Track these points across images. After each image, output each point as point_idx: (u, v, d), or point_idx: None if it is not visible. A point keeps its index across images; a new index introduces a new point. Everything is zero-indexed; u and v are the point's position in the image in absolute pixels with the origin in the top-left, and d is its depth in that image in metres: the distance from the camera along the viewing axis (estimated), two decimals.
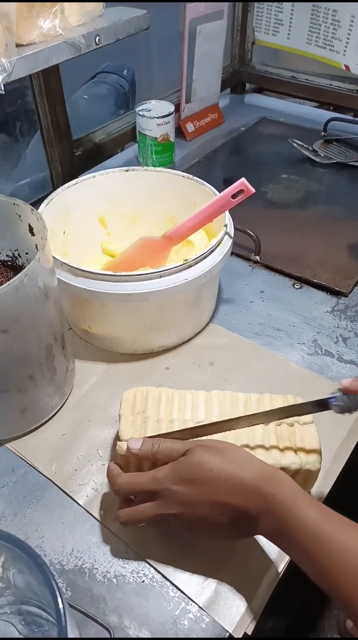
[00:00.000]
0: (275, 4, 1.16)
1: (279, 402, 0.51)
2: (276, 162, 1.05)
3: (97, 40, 0.59)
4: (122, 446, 0.47)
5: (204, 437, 0.47)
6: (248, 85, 1.34)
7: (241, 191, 0.59)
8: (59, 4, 0.54)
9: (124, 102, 1.30)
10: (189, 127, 1.11)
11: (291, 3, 1.14)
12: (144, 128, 0.95)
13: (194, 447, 0.44)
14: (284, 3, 1.15)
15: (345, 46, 1.10)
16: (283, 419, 0.48)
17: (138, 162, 1.03)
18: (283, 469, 0.45)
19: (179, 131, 1.09)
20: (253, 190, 0.59)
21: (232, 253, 0.66)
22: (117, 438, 0.50)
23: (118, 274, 0.57)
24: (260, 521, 0.40)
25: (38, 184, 1.00)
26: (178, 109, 1.07)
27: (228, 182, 0.97)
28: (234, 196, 0.59)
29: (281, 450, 0.47)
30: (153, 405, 0.51)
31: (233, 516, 0.41)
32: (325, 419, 0.49)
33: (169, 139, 0.97)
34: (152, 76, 1.15)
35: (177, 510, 0.43)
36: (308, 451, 0.47)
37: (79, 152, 0.93)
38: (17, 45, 0.54)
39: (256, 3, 1.18)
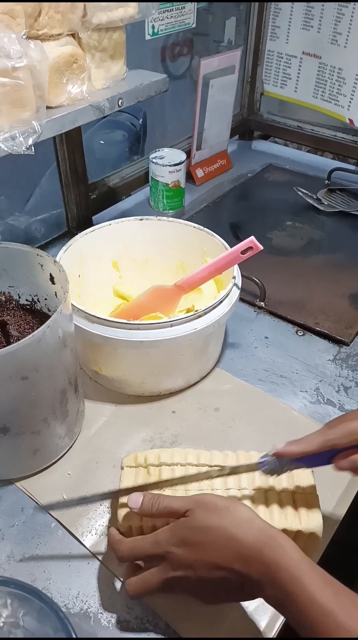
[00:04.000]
0: (284, 60, 1.22)
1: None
2: (281, 209, 1.09)
3: (120, 102, 0.63)
4: (122, 513, 0.48)
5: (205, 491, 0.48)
6: (255, 132, 1.39)
7: (250, 248, 0.62)
8: (87, 71, 0.59)
9: (135, 144, 1.36)
10: (199, 173, 1.16)
11: (298, 60, 1.20)
12: (157, 174, 0.99)
13: (193, 506, 0.43)
14: (292, 59, 1.21)
15: (350, 102, 1.15)
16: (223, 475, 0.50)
17: (149, 205, 1.07)
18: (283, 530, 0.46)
19: (189, 176, 1.14)
20: (261, 248, 0.62)
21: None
22: (117, 501, 0.51)
23: (132, 322, 0.59)
24: (263, 588, 0.39)
25: (53, 221, 1.04)
26: (188, 155, 1.12)
27: (234, 227, 1.02)
28: (243, 252, 0.62)
29: (282, 508, 0.48)
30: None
31: (235, 580, 0.41)
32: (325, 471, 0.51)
33: (180, 185, 1.01)
34: (165, 123, 1.21)
35: (181, 574, 0.42)
36: (309, 508, 0.48)
37: (94, 195, 0.98)
38: (47, 108, 0.58)
39: (266, 59, 1.25)
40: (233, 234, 0.99)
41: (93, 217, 0.99)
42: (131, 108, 1.44)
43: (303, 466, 0.47)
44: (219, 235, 0.73)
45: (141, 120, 1.39)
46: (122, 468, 0.53)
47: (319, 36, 1.14)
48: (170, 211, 1.04)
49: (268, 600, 0.40)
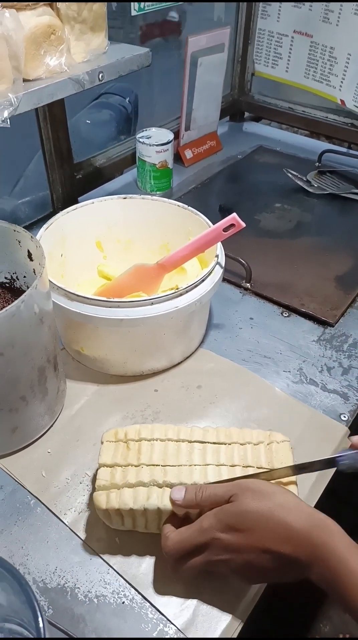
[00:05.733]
0: (275, 39, 1.20)
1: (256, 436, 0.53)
2: (271, 191, 1.08)
3: (100, 76, 0.62)
4: (99, 498, 0.47)
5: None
6: (246, 114, 1.38)
7: (232, 225, 0.61)
8: (65, 43, 0.57)
9: (126, 126, 1.34)
10: (188, 154, 1.15)
11: (290, 39, 1.18)
12: (144, 154, 0.98)
13: (238, 492, 0.43)
14: (283, 38, 1.19)
15: (341, 82, 1.14)
16: (296, 474, 0.49)
17: (136, 186, 1.06)
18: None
19: (178, 157, 1.12)
20: (243, 225, 0.61)
21: (224, 279, 0.68)
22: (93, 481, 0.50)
23: (111, 300, 0.59)
24: (310, 569, 0.40)
25: (38, 203, 1.03)
26: (177, 135, 1.10)
27: (223, 210, 1.00)
28: (225, 229, 0.62)
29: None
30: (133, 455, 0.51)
31: (283, 563, 0.41)
32: (308, 443, 0.51)
33: (167, 166, 1.00)
34: (153, 104, 1.19)
35: (226, 557, 0.43)
36: (285, 485, 0.48)
37: (80, 175, 0.96)
38: (24, 80, 0.56)
39: (256, 38, 1.23)
40: (222, 216, 0.97)
41: (79, 198, 0.98)
42: (121, 90, 1.42)
43: None
44: (208, 217, 0.72)
45: (129, 101, 1.37)
46: (102, 443, 0.53)
47: (310, 14, 1.12)
48: (158, 192, 1.03)
49: (315, 581, 0.41)
